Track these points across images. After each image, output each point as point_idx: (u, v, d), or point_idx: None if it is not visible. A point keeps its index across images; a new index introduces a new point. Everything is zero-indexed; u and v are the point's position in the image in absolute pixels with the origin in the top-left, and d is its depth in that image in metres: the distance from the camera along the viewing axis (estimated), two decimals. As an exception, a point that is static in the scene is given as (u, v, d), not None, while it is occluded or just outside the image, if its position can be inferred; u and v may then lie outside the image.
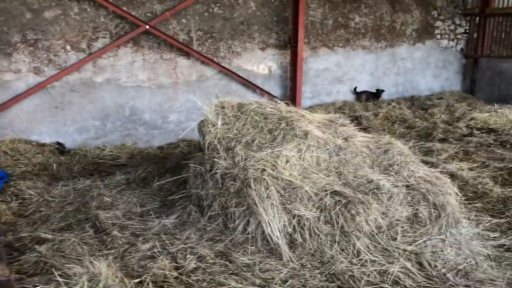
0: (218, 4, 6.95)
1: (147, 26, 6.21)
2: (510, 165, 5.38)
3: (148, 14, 6.36)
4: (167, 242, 3.40)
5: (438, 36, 9.79)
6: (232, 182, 3.50)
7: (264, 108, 4.14)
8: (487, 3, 9.62)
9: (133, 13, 6.21)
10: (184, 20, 6.70)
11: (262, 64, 7.64)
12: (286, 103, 7.15)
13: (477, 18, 9.87)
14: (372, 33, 8.78)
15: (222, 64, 7.13)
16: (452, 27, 9.95)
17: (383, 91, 8.88)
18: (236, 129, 3.91)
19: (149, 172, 4.96)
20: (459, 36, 10.10)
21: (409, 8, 9.20)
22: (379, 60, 9.00)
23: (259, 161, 3.52)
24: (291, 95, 7.79)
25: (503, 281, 3.06)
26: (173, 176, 4.47)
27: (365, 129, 6.84)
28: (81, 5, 5.90)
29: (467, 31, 10.10)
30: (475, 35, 9.96)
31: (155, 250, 3.26)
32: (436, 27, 9.71)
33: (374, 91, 8.88)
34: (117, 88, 6.34)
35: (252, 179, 3.38)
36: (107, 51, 6.14)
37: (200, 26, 6.86)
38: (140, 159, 5.65)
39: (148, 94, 6.58)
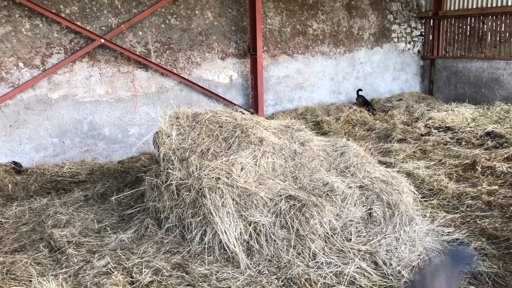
0: (174, 16, 6.94)
1: (102, 40, 6.14)
2: (465, 162, 5.56)
3: (103, 28, 6.30)
4: (123, 257, 3.35)
5: (395, 40, 10.05)
6: (187, 193, 3.48)
7: (219, 116, 4.15)
8: (439, 6, 9.95)
9: (88, 28, 6.14)
10: (140, 33, 6.66)
11: (222, 73, 7.66)
12: (250, 111, 7.20)
13: (431, 21, 10.19)
14: (331, 39, 8.94)
15: (182, 75, 7.11)
16: (408, 30, 10.23)
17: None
18: (191, 139, 3.90)
19: (108, 187, 4.88)
20: (416, 39, 10.39)
21: (365, 14, 9.42)
22: (338, 65, 9.16)
23: (213, 170, 3.51)
24: (253, 103, 7.83)
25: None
26: (132, 190, 4.42)
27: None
28: (32, 21, 5.79)
29: (423, 33, 10.41)
30: (431, 37, 10.26)
31: (110, 266, 3.20)
32: (393, 30, 9.97)
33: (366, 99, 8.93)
34: (74, 103, 6.23)
35: (206, 189, 3.37)
36: (62, 67, 6.03)
37: (158, 38, 6.83)
38: (100, 174, 5.55)
39: (107, 109, 6.49)
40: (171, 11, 6.89)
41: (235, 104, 7.53)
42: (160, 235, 3.57)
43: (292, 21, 8.35)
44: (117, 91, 6.53)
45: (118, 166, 5.90)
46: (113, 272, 3.09)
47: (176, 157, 3.72)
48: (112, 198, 4.36)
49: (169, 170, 3.64)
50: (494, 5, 9.11)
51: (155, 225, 3.72)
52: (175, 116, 4.15)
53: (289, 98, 8.57)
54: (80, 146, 6.31)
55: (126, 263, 3.24)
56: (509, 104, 8.37)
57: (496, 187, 4.74)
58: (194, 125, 4.06)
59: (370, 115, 8.37)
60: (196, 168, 3.55)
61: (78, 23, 6.05)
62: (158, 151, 3.89)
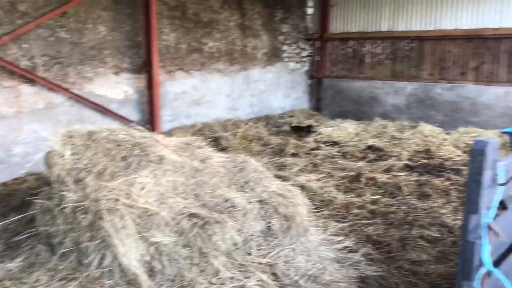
0: (64, 29, 6.60)
1: (-19, 52, 5.63)
2: (351, 174, 6.06)
3: (-18, 38, 5.78)
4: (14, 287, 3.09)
5: (286, 59, 10.62)
6: (83, 216, 3.32)
7: (117, 134, 4.04)
8: (325, 29, 10.75)
9: (-37, 37, 5.59)
10: (26, 45, 6.22)
11: (117, 89, 7.43)
12: (146, 127, 7.07)
13: (318, 42, 10.96)
14: (226, 57, 9.17)
15: (73, 90, 6.76)
16: (298, 51, 10.89)
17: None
18: (87, 159, 3.74)
19: (-11, 213, 4.45)
20: (304, 59, 11.08)
21: (258, 34, 9.83)
22: (234, 82, 9.42)
23: (112, 191, 3.41)
24: (150, 119, 7.71)
25: (346, 280, 3.42)
26: (19, 215, 4.08)
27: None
28: None
29: (310, 54, 11.15)
30: (318, 58, 11.03)
31: (-4, 300, 2.94)
32: (283, 50, 10.53)
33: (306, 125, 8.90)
34: None
35: (105, 211, 3.26)
36: None
37: (46, 51, 6.43)
38: (-20, 198, 5.03)
39: (-14, 126, 5.93)
40: (61, 24, 6.55)
41: (131, 121, 7.35)
42: (54, 261, 3.36)
43: (188, 38, 8.42)
44: (-1, 107, 6.00)
45: (0, 188, 5.41)
46: (0, 307, 2.84)
47: (71, 178, 3.55)
48: (-4, 225, 3.98)
49: (63, 192, 3.45)
50: (371, 29, 10.09)
51: (48, 251, 3.48)
52: (69, 135, 3.94)
53: (186, 114, 8.58)
54: (-47, 168, 5.67)
55: (15, 295, 3.00)
56: (386, 119, 9.32)
57: (378, 196, 5.25)
58: (90, 144, 3.90)
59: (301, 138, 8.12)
60: (93, 190, 3.42)
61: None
62: (50, 172, 3.66)
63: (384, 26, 9.88)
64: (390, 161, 6.46)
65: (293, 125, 8.91)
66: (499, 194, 2.19)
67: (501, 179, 2.16)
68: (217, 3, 8.86)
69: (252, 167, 4.55)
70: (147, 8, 7.30)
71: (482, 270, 2.14)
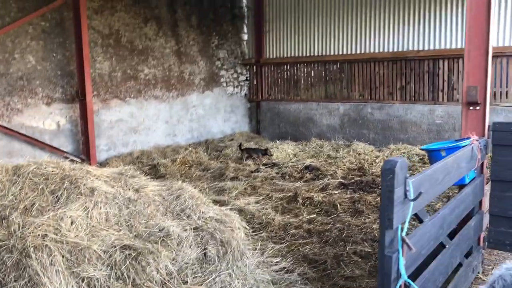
0: (-11, 59, 6.37)
1: None
2: (288, 194, 6.19)
3: None
4: None
5: (224, 84, 10.77)
6: (8, 255, 3.18)
7: (45, 168, 3.91)
8: (261, 54, 11.05)
9: None
10: None
11: (48, 119, 7.21)
12: (81, 158, 6.87)
13: (255, 67, 11.23)
14: (163, 84, 9.16)
15: (1, 123, 6.48)
16: (235, 75, 11.09)
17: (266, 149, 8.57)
18: (12, 195, 3.59)
19: None
20: (242, 83, 11.30)
21: (195, 60, 9.93)
22: (172, 108, 9.40)
23: (39, 227, 3.29)
24: (85, 149, 7.51)
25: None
26: None
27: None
28: None
29: (248, 78, 11.38)
30: (255, 82, 11.28)
31: None
32: (221, 75, 10.68)
33: (263, 148, 8.66)
34: None
35: (31, 248, 3.14)
36: None
37: (-32, 83, 6.16)
38: None
39: None
40: (-15, 54, 6.32)
41: (64, 152, 7.13)
42: (-23, 307, 3.17)
43: (123, 65, 8.35)
44: None
45: None
46: None
47: (-6, 217, 3.39)
48: None
49: (-14, 232, 3.29)
50: (304, 54, 10.50)
51: (-31, 296, 3.28)
52: (-8, 171, 3.78)
53: (124, 142, 8.44)
54: None
55: None
56: (322, 139, 9.64)
57: (314, 215, 5.40)
58: (16, 179, 3.75)
59: (258, 162, 8.03)
60: (19, 227, 3.28)
61: None
62: (-29, 211, 3.48)
63: (316, 51, 10.32)
64: (326, 180, 6.67)
65: (244, 147, 8.75)
66: (411, 209, 2.35)
67: (411, 195, 2.32)
68: (152, 30, 8.89)
69: (189, 193, 4.53)
70: (79, 37, 7.20)
71: (400, 282, 2.27)
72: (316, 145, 9.24)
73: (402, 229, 2.33)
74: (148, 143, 8.88)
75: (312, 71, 10.47)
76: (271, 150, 8.60)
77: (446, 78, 8.71)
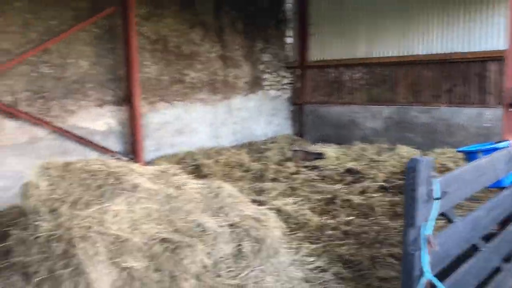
0: (48, 64, 6.83)
1: (-36, 89, 5.81)
2: (327, 196, 6.21)
3: (-35, 76, 5.97)
4: (-14, 318, 3.18)
5: (267, 87, 10.91)
6: (57, 244, 3.44)
7: (92, 165, 4.19)
8: (304, 57, 11.11)
9: None
10: (9, 81, 6.42)
11: (100, 121, 7.62)
12: (129, 158, 7.21)
13: (298, 70, 11.29)
14: (208, 87, 9.42)
15: (56, 124, 6.93)
16: (278, 79, 11.20)
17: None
18: (62, 189, 3.88)
19: (-31, 245, 4.53)
20: (285, 86, 11.39)
21: (239, 64, 10.13)
22: (216, 111, 9.65)
23: (85, 219, 3.53)
24: (133, 150, 7.87)
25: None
26: (-4, 247, 4.18)
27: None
28: None
29: (291, 81, 11.46)
30: (298, 85, 11.33)
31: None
32: (264, 79, 10.83)
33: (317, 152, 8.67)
34: None
35: (77, 238, 3.38)
36: None
37: (28, 87, 6.63)
38: (-40, 232, 5.11)
39: (-31, 161, 6.06)
40: (43, 59, 6.77)
41: (114, 152, 7.50)
42: (29, 291, 3.44)
43: (170, 70, 8.68)
44: (-20, 142, 6.15)
45: (-19, 222, 5.48)
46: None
47: (46, 209, 3.67)
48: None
49: (38, 222, 3.57)
50: (348, 57, 10.44)
51: (23, 280, 3.57)
52: (45, 167, 4.09)
53: (170, 144, 8.75)
54: None
55: (-11, 325, 3.08)
56: (365, 143, 9.56)
57: (352, 217, 5.40)
58: (65, 175, 4.04)
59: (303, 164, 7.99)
60: (67, 218, 3.54)
61: None
62: (26, 203, 3.79)
63: (361, 53, 10.24)
64: (366, 183, 6.63)
65: (297, 149, 8.79)
66: (436, 208, 2.35)
67: (436, 194, 2.33)
68: (198, 36, 9.17)
69: (228, 192, 4.70)
70: (128, 43, 7.57)
71: (423, 280, 2.29)
72: (358, 148, 9.17)
73: (425, 228, 2.34)
74: (193, 144, 9.14)
75: (356, 74, 10.39)
76: (324, 154, 8.55)
77: (495, 80, 8.40)
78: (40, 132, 6.77)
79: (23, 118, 6.51)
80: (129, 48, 7.57)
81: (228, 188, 4.80)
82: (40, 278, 3.49)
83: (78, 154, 7.03)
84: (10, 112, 6.36)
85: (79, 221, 3.51)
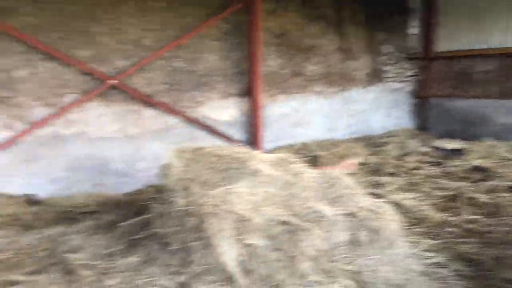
0: (180, 59, 7.50)
1: (114, 81, 6.67)
2: (451, 193, 5.92)
3: (114, 70, 6.83)
4: (133, 277, 3.70)
5: (388, 79, 10.60)
6: (189, 219, 3.86)
7: (219, 150, 4.58)
8: (429, 48, 10.55)
9: (100, 69, 6.68)
10: (149, 74, 7.20)
11: (224, 111, 8.15)
12: (250, 146, 7.64)
13: (422, 62, 10.77)
14: (325, 79, 9.48)
15: (186, 114, 7.60)
16: (400, 71, 10.80)
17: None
18: (194, 171, 4.31)
19: (116, 216, 5.25)
20: (407, 79, 10.95)
21: (358, 56, 10.01)
22: (332, 103, 9.67)
23: (213, 198, 3.91)
24: (253, 139, 8.29)
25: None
26: (138, 218, 4.79)
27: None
28: (49, 64, 6.33)
29: (414, 73, 10.97)
30: (422, 77, 10.82)
31: (120, 286, 3.56)
32: (385, 71, 10.53)
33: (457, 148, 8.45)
34: (86, 140, 6.70)
35: (207, 214, 3.76)
36: (75, 106, 6.54)
37: (164, 79, 7.37)
38: (109, 205, 5.93)
39: (117, 145, 6.95)
40: (176, 55, 7.46)
41: (236, 140, 7.99)
42: (165, 258, 3.92)
43: (290, 63, 8.92)
44: (126, 128, 7.01)
45: (126, 198, 6.29)
46: (123, 290, 3.44)
47: (180, 187, 4.13)
48: (120, 225, 4.73)
49: (173, 199, 4.04)
50: (479, 47, 9.68)
51: (160, 249, 4.07)
52: (180, 150, 4.58)
53: (287, 135, 9.02)
54: (91, 180, 6.73)
55: (135, 283, 3.59)
56: (496, 139, 8.81)
57: (477, 216, 5.10)
58: (196, 158, 4.48)
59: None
60: (198, 196, 3.95)
61: (92, 65, 6.60)
62: (164, 181, 4.30)
63: (495, 42, 9.42)
64: (495, 182, 6.17)
65: (435, 145, 8.55)
66: None
67: None
68: (318, 29, 9.27)
69: (344, 183, 4.77)
70: (253, 38, 7.96)
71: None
72: (488, 145, 8.50)
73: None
74: (308, 136, 9.28)
75: (489, 65, 9.59)
76: (463, 150, 8.12)
77: None
78: (173, 120, 7.49)
79: (160, 108, 7.26)
80: (253, 42, 7.96)
81: (345, 179, 4.87)
82: (174, 248, 3.96)
83: (203, 142, 7.62)
84: (150, 102, 7.13)
85: (208, 199, 3.89)
